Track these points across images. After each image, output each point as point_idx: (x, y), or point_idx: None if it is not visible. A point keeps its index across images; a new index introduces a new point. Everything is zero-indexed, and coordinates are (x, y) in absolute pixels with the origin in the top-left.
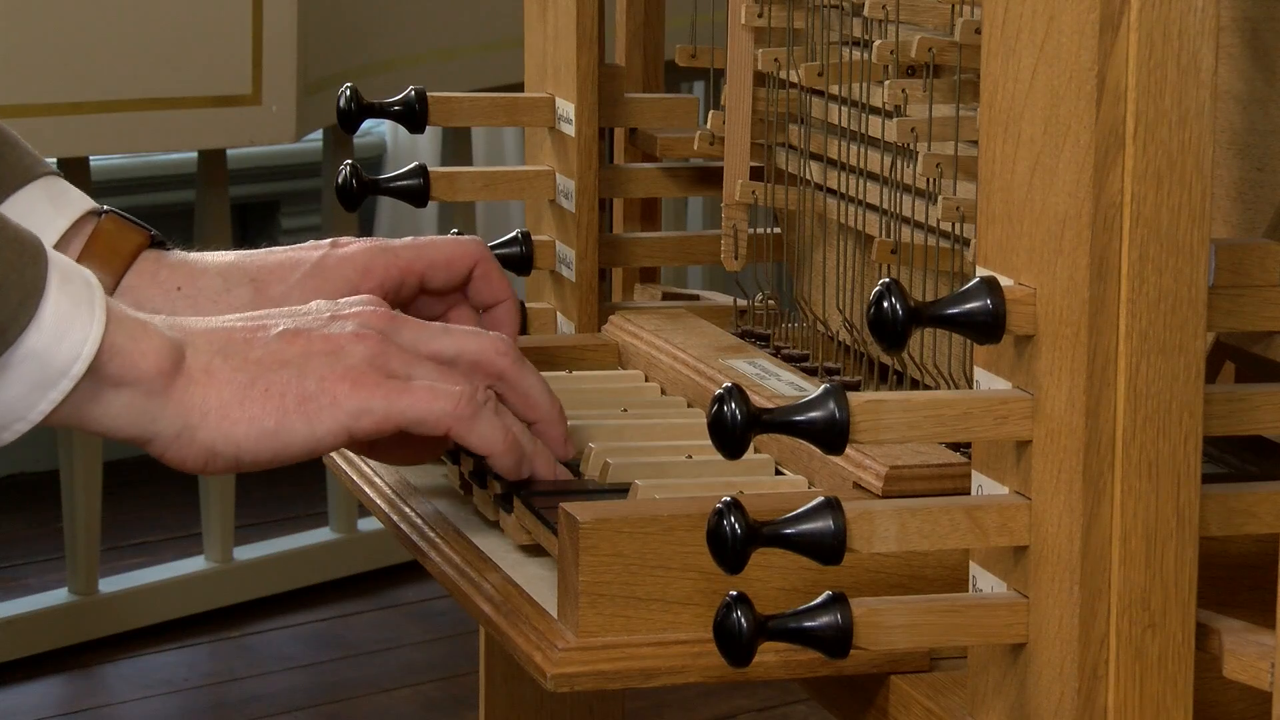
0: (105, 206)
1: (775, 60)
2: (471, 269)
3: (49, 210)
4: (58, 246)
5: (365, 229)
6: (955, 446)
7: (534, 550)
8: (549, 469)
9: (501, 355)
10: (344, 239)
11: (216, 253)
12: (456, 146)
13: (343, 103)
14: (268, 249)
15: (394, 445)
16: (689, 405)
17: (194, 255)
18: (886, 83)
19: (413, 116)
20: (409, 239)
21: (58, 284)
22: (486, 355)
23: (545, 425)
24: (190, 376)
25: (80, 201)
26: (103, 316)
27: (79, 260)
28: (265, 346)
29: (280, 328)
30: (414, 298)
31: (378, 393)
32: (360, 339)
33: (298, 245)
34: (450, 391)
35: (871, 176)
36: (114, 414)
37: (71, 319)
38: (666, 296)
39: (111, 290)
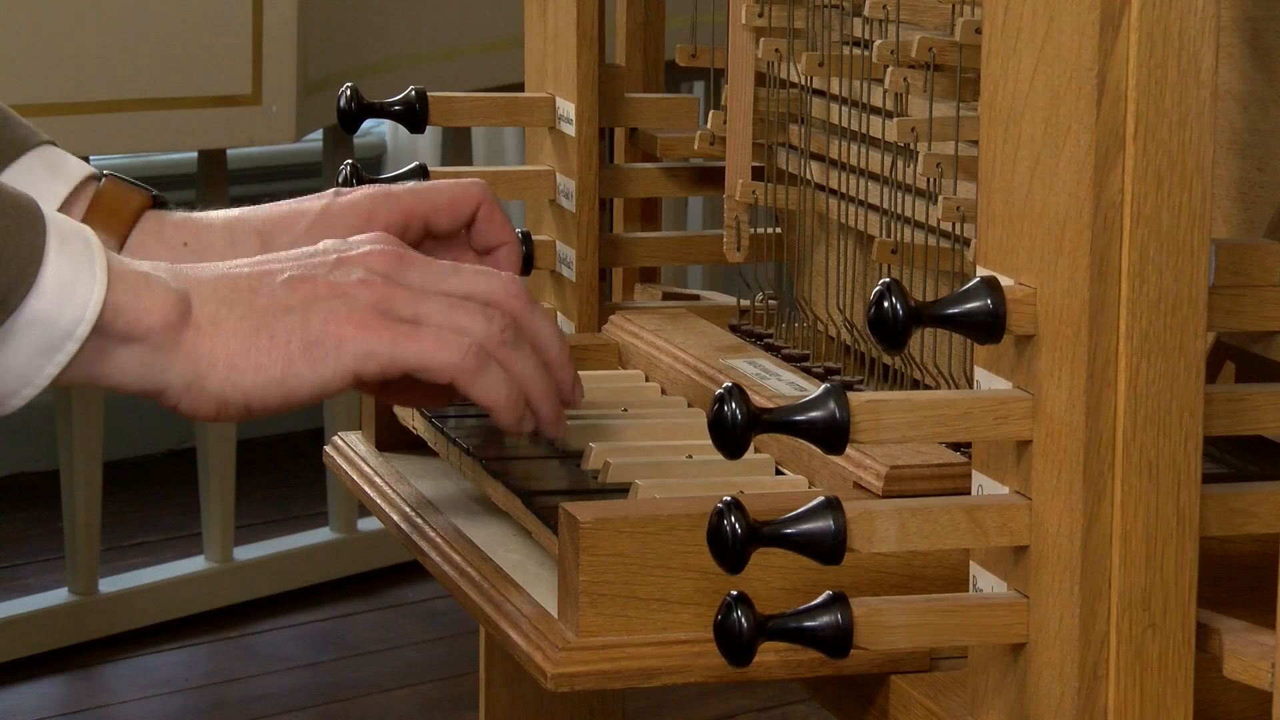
0: (105, 171)
1: (776, 50)
2: (475, 211)
3: (48, 178)
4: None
5: None
6: (955, 446)
7: (534, 550)
8: (554, 423)
9: (512, 296)
10: (346, 188)
11: (220, 210)
12: (456, 146)
13: (343, 103)
14: (271, 203)
15: (404, 389)
16: (689, 405)
17: (197, 213)
18: (889, 69)
19: (413, 116)
20: (411, 183)
21: (57, 247)
22: (496, 296)
23: (555, 369)
24: (197, 327)
25: (79, 168)
26: (104, 276)
27: None
28: (270, 294)
29: (286, 274)
30: (418, 243)
31: (384, 336)
32: (365, 285)
33: (300, 197)
34: (459, 342)
35: (872, 176)
36: (124, 369)
37: (73, 281)
38: (666, 296)
39: (118, 252)
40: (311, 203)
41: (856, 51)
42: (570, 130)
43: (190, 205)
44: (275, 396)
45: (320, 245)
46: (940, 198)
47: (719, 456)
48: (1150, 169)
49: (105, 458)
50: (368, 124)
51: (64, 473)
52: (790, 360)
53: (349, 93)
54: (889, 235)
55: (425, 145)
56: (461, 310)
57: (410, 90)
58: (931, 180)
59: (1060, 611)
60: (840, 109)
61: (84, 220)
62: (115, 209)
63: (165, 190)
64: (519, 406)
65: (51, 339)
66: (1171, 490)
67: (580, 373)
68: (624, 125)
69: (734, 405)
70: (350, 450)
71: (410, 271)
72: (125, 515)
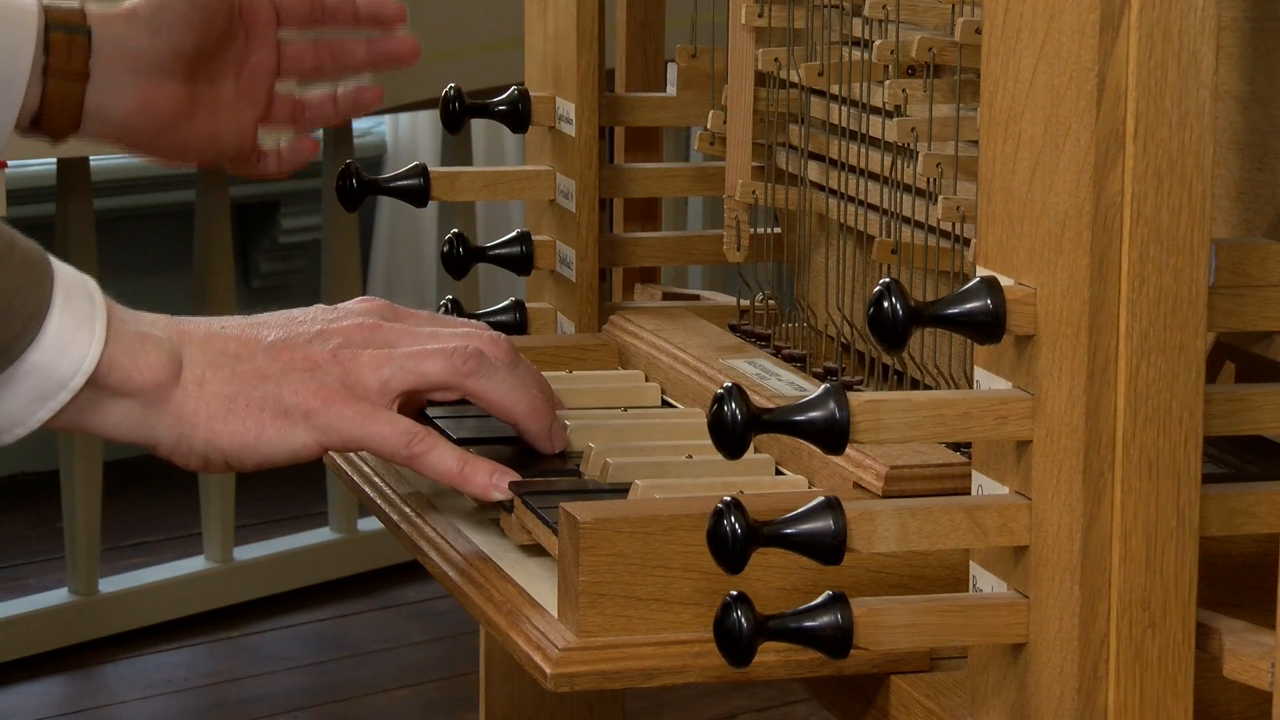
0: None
1: (775, 60)
2: None
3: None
4: None
5: (365, 229)
6: (955, 446)
7: (534, 550)
8: (546, 438)
9: (488, 342)
10: None
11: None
12: (457, 146)
13: (447, 102)
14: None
15: None
16: (689, 405)
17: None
18: (887, 82)
19: (516, 116)
20: None
21: (61, 302)
22: (471, 342)
23: (521, 424)
24: (184, 387)
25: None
26: (103, 333)
27: None
28: (252, 360)
29: (270, 339)
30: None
31: (346, 412)
32: (336, 359)
33: None
34: (405, 428)
35: (872, 176)
36: (114, 421)
37: (73, 336)
38: (666, 296)
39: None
40: None
41: (856, 56)
42: (570, 130)
43: (190, 206)
44: (250, 459)
45: (309, 311)
46: (940, 198)
47: (719, 456)
48: (1150, 169)
49: (105, 458)
50: (368, 123)
51: (64, 473)
52: (790, 360)
53: (452, 92)
54: (889, 235)
55: (425, 145)
56: (417, 360)
57: (513, 89)
58: (931, 180)
59: (1060, 611)
60: (840, 109)
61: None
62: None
63: (165, 190)
64: (462, 480)
65: (47, 388)
66: (1171, 490)
67: (580, 373)
68: (624, 125)
69: (734, 405)
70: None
71: (385, 335)
72: (125, 515)
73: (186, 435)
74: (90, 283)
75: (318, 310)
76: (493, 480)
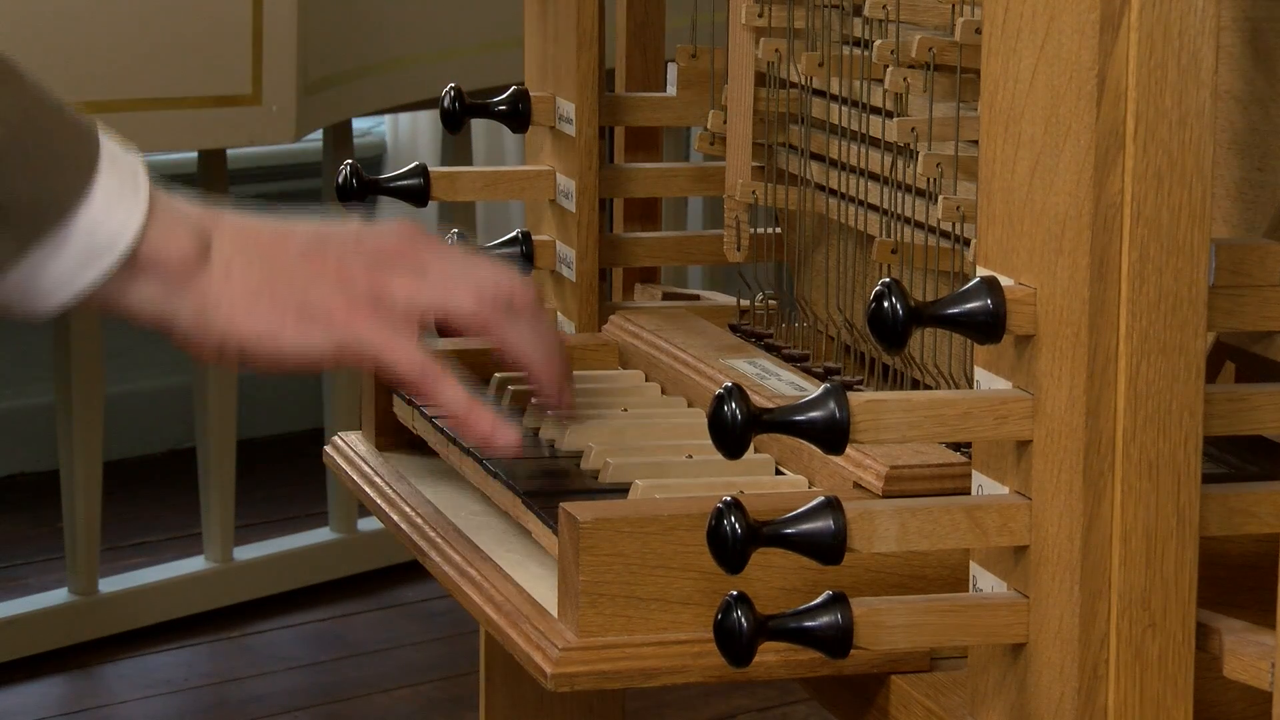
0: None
1: (776, 51)
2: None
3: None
4: None
5: None
6: (955, 446)
7: (534, 550)
8: (556, 394)
9: (516, 284)
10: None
11: None
12: (457, 146)
13: (447, 102)
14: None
15: None
16: (689, 405)
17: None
18: (889, 70)
19: (516, 116)
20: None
21: (108, 165)
22: (498, 282)
23: (536, 373)
24: (211, 271)
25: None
26: (146, 201)
27: None
28: (284, 259)
29: (303, 244)
30: None
31: (370, 328)
32: (368, 275)
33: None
34: (423, 356)
35: (872, 176)
36: (143, 297)
37: (119, 199)
38: (666, 296)
39: None
40: None
41: (856, 51)
42: (570, 130)
43: None
44: (265, 355)
45: (345, 225)
46: (940, 198)
47: (719, 456)
48: (1150, 169)
49: (105, 458)
50: (368, 124)
51: (64, 473)
52: (790, 360)
53: (452, 92)
54: (889, 235)
55: (425, 145)
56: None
57: (513, 89)
58: (931, 180)
59: (1060, 611)
60: (840, 109)
61: None
62: None
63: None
64: (470, 416)
65: (94, 249)
66: (1171, 490)
67: (580, 373)
68: (624, 125)
69: (734, 405)
70: (350, 450)
71: (419, 259)
72: (125, 515)
73: (207, 320)
74: (134, 150)
75: (354, 225)
76: (494, 430)
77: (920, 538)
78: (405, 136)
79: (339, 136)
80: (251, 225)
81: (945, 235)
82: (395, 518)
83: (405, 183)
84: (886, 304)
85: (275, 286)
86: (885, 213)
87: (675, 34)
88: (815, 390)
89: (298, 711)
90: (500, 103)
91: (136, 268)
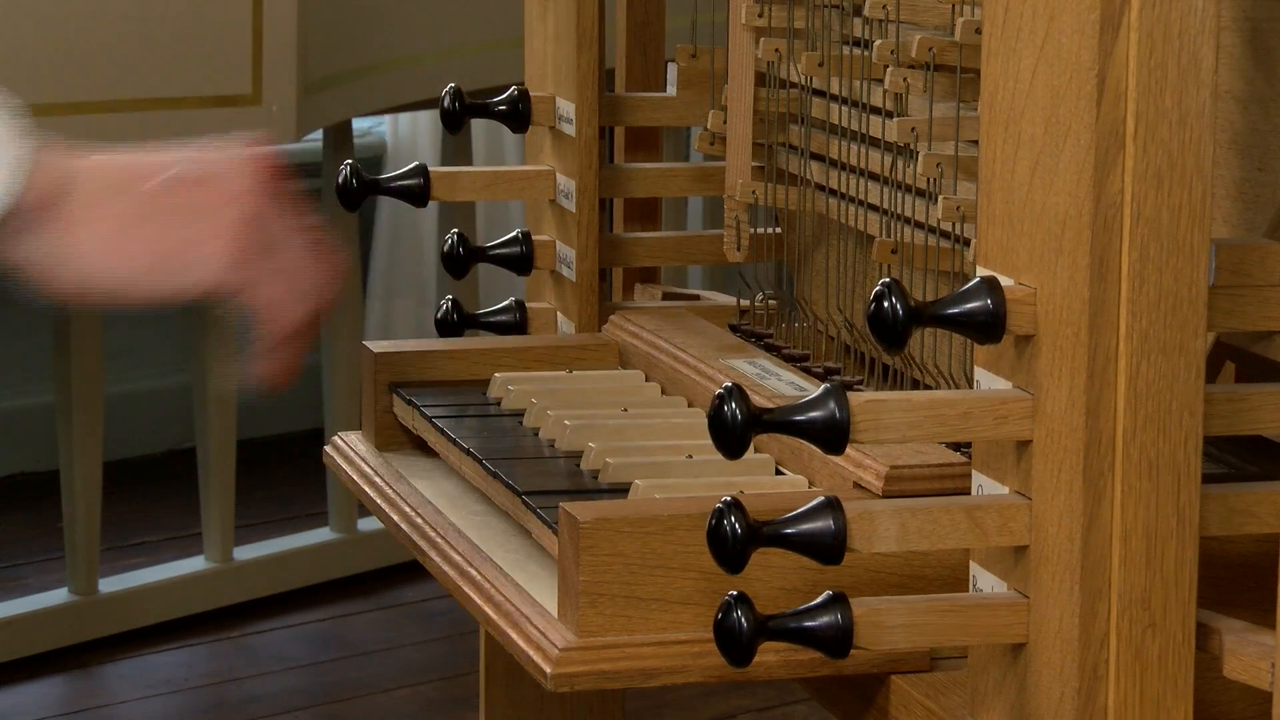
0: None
1: (776, 51)
2: None
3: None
4: None
5: (365, 229)
6: (955, 446)
7: (534, 550)
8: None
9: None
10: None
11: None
12: (457, 146)
13: (447, 102)
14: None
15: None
16: (689, 405)
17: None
18: (889, 70)
19: (516, 115)
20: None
21: None
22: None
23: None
24: (73, 211)
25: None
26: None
27: None
28: (149, 192)
29: (171, 173)
30: None
31: (241, 264)
32: (239, 199)
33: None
34: (294, 303)
35: (872, 176)
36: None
37: None
38: (666, 296)
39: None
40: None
41: (856, 52)
42: (570, 130)
43: None
44: (138, 290)
45: (204, 148)
46: (940, 198)
47: (719, 456)
48: (1150, 169)
49: (105, 458)
50: (368, 124)
51: (64, 473)
52: (790, 360)
53: (452, 92)
54: (889, 235)
55: (425, 145)
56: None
57: (513, 89)
58: (931, 180)
59: (1060, 611)
60: (840, 109)
61: None
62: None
63: None
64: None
65: None
66: (1171, 490)
67: (580, 373)
68: (624, 125)
69: (734, 405)
70: (350, 450)
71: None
72: (125, 515)
73: (67, 259)
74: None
75: (208, 149)
76: (278, 374)
77: (920, 538)
78: (405, 136)
79: (339, 136)
80: (116, 159)
81: (945, 235)
82: (395, 518)
83: (405, 183)
84: (886, 304)
85: (141, 225)
86: (885, 213)
87: (675, 34)
88: (815, 390)
89: (298, 711)
90: (500, 103)
91: None
